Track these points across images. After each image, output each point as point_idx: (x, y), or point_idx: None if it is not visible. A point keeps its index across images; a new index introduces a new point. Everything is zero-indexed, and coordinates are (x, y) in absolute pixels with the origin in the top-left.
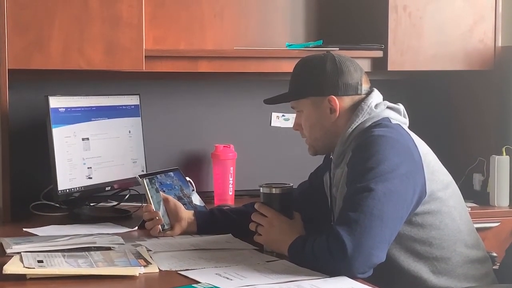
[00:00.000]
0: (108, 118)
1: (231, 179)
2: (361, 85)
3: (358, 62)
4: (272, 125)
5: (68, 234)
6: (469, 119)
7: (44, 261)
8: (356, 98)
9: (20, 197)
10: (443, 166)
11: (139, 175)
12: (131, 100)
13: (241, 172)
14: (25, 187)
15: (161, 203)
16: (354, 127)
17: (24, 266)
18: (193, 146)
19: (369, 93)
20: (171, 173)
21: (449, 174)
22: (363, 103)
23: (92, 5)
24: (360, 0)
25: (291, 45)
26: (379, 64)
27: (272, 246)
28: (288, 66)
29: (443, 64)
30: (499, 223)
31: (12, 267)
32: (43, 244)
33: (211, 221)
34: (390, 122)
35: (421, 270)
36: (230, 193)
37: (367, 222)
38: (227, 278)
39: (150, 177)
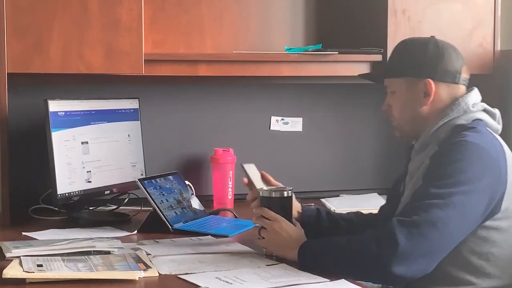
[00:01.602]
0: (108, 122)
1: (230, 183)
2: (460, 74)
3: (357, 66)
4: (271, 128)
5: (68, 238)
6: None
7: (43, 265)
8: (453, 87)
9: (19, 201)
10: None
11: (138, 179)
12: (131, 104)
13: (241, 176)
14: (24, 191)
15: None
16: (446, 121)
17: (23, 270)
18: (192, 149)
19: (469, 90)
20: (170, 177)
21: None
22: (460, 99)
23: (91, 9)
24: (359, 4)
25: (290, 49)
26: (378, 68)
27: (276, 250)
28: (287, 70)
29: None
30: None
31: (12, 271)
32: (42, 248)
33: (315, 218)
34: (484, 127)
35: (468, 282)
36: (230, 197)
37: (426, 231)
38: (227, 282)
39: (248, 164)
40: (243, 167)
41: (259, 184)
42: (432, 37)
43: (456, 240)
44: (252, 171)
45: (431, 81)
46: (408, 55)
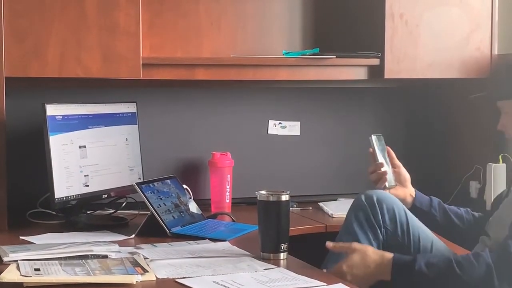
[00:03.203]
0: (105, 126)
1: (228, 186)
2: None
3: (355, 70)
4: (269, 132)
5: (65, 242)
6: (465, 127)
7: (41, 269)
8: None
9: (16, 205)
10: None
11: (136, 183)
12: (128, 108)
13: (238, 180)
14: (21, 195)
15: (386, 162)
16: None
17: (21, 275)
18: (190, 153)
19: None
20: (168, 181)
21: None
22: None
23: (89, 13)
24: (357, 8)
25: (288, 53)
26: (376, 72)
27: (362, 281)
28: (285, 74)
29: (440, 72)
30: None
31: (9, 276)
32: (40, 252)
33: (427, 206)
34: None
35: None
36: (227, 201)
37: None
38: (224, 286)
39: (377, 135)
40: (371, 139)
41: (381, 158)
42: None
43: None
44: (379, 143)
45: None
46: None
